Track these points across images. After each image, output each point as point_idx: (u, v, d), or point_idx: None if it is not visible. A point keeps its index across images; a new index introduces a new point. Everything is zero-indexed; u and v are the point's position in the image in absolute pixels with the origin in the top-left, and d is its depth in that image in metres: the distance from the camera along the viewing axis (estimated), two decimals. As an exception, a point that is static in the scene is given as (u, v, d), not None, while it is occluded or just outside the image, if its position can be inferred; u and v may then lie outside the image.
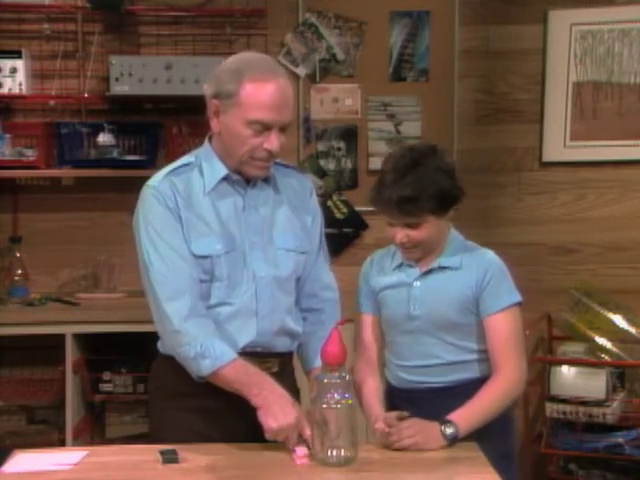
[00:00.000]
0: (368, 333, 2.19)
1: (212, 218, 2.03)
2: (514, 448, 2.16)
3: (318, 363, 1.99)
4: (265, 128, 1.97)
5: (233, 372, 1.95)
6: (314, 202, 2.21)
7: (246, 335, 2.04)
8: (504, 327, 2.05)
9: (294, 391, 2.11)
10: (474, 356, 2.08)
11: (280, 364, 2.10)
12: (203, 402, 2.03)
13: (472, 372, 2.08)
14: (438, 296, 2.06)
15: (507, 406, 2.05)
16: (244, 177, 2.06)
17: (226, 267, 2.02)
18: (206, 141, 2.11)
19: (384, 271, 2.16)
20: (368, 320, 2.20)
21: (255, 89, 1.95)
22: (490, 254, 2.11)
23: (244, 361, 1.97)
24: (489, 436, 1.99)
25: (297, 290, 2.16)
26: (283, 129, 2.01)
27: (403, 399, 2.09)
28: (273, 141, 1.98)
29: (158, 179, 2.06)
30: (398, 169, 2.02)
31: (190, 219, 2.02)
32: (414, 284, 2.09)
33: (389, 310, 2.13)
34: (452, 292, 2.06)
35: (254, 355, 2.03)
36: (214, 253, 2.02)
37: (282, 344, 2.11)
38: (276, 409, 1.89)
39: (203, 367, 1.96)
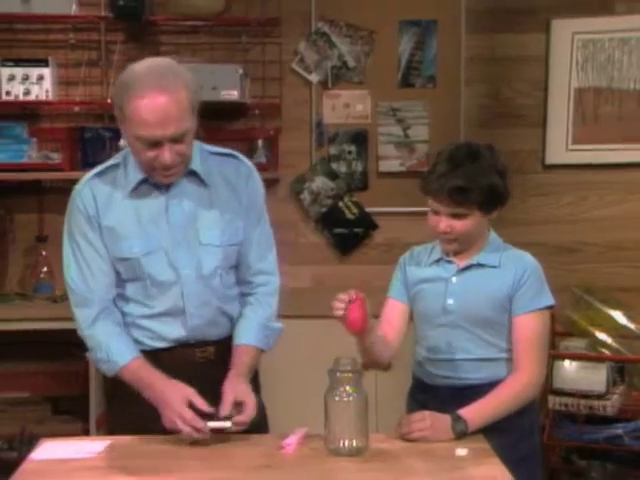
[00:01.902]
0: (391, 315, 2.14)
1: (132, 220, 1.99)
2: (539, 448, 2.13)
3: (238, 341, 2.02)
4: (153, 143, 1.89)
5: (128, 376, 1.97)
6: (252, 188, 2.10)
7: (176, 331, 2.02)
8: (530, 328, 2.01)
9: None
10: (504, 355, 2.05)
11: (216, 351, 2.06)
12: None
13: (500, 371, 2.04)
14: (475, 292, 2.03)
15: (519, 406, 2.00)
16: None
17: (147, 268, 1.99)
18: None
19: (421, 265, 2.12)
20: (394, 304, 2.15)
21: (137, 106, 1.86)
22: (528, 256, 2.08)
23: (139, 363, 1.96)
24: (518, 436, 2.00)
25: (235, 277, 2.12)
26: (179, 139, 1.90)
27: (429, 395, 2.06)
28: (164, 155, 1.89)
29: (83, 183, 2.03)
30: (454, 160, 1.98)
31: (109, 224, 1.99)
32: (452, 279, 2.06)
33: (424, 303, 2.10)
34: (489, 289, 2.03)
35: (188, 345, 2.02)
36: (132, 256, 1.99)
37: (217, 333, 2.07)
38: (166, 412, 1.88)
39: (106, 371, 1.99)
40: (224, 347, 2.07)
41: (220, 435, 1.93)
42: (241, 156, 2.14)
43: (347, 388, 1.84)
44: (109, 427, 2.21)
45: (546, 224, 3.69)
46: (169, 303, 2.02)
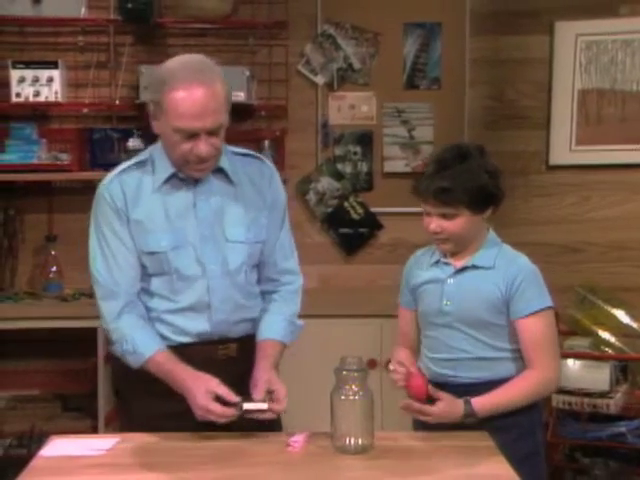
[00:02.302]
0: (404, 324, 2.20)
1: (160, 215, 2.01)
2: (542, 446, 2.13)
3: (264, 336, 2.05)
4: (190, 135, 1.92)
5: (154, 368, 1.97)
6: (275, 188, 2.13)
7: (200, 326, 2.03)
8: (535, 330, 2.01)
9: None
10: (504, 354, 2.05)
11: (238, 349, 2.07)
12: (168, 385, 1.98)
13: (501, 370, 2.04)
14: (469, 294, 2.04)
15: (533, 401, 2.02)
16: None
17: (175, 262, 2.00)
18: (159, 140, 2.06)
19: (422, 267, 2.14)
20: (404, 314, 2.20)
21: (175, 99, 1.89)
22: (523, 258, 2.07)
23: (165, 355, 1.97)
24: (520, 433, 2.00)
25: (258, 275, 2.14)
26: (214, 132, 1.94)
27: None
28: (200, 147, 1.93)
29: (110, 178, 2.04)
30: (441, 161, 2.01)
31: (137, 218, 2.00)
32: (447, 281, 2.07)
33: (424, 304, 2.12)
34: (482, 291, 2.03)
35: (211, 342, 2.02)
36: (160, 250, 2.00)
37: (239, 330, 2.08)
38: (193, 405, 1.88)
39: (131, 362, 1.99)
40: (246, 344, 2.08)
41: (227, 433, 1.94)
42: (264, 157, 2.18)
43: (353, 387, 1.85)
44: (120, 424, 2.22)
45: (549, 224, 3.69)
46: (194, 297, 2.02)
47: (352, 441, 1.85)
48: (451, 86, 3.73)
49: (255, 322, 2.11)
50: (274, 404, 1.90)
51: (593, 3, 3.60)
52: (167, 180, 2.02)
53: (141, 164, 2.05)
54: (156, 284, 2.03)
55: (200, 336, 2.04)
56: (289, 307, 2.14)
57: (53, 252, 3.65)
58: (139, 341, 1.97)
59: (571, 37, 3.62)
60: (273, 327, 2.09)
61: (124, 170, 2.05)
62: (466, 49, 3.71)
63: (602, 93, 3.62)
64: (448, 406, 1.94)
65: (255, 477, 1.76)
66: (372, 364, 3.22)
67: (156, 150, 2.05)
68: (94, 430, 3.33)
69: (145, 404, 2.03)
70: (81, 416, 3.56)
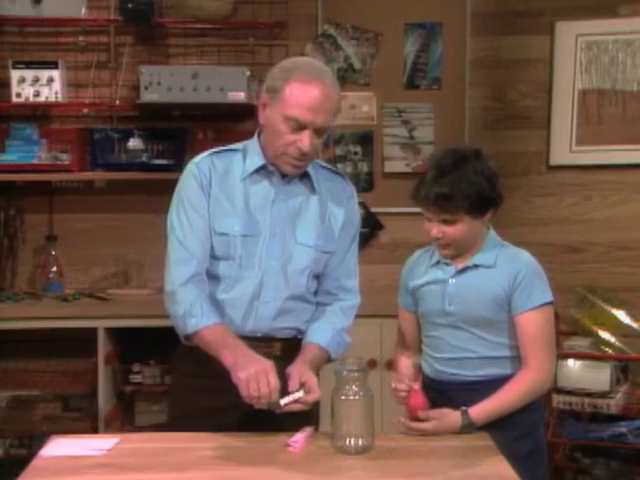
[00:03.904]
0: (404, 326, 2.21)
1: (240, 201, 2.06)
2: (544, 443, 2.14)
3: (309, 340, 2.06)
4: (300, 127, 1.98)
5: (212, 334, 1.98)
6: (352, 208, 2.19)
7: (244, 317, 2.05)
8: (533, 325, 2.02)
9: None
10: (508, 352, 2.05)
11: (283, 348, 2.08)
12: (216, 381, 1.99)
13: (505, 368, 2.05)
14: (472, 293, 2.04)
15: (529, 401, 2.02)
16: (279, 171, 2.08)
17: (240, 249, 2.05)
18: (255, 134, 2.14)
19: (422, 269, 2.14)
20: (404, 315, 2.21)
21: (297, 88, 1.97)
22: (525, 254, 2.08)
23: (226, 328, 1.99)
24: (520, 433, 2.00)
25: (318, 286, 2.16)
26: (319, 132, 2.01)
27: (436, 391, 2.06)
28: (304, 140, 1.99)
29: (201, 157, 2.11)
30: (439, 168, 2.01)
31: (219, 197, 2.06)
32: (449, 281, 2.07)
33: (425, 305, 2.12)
34: (485, 290, 2.03)
35: (255, 339, 2.03)
36: (231, 232, 2.05)
37: (283, 332, 2.09)
38: (242, 362, 1.88)
39: (189, 325, 1.99)
40: (291, 345, 2.09)
41: (227, 433, 1.95)
42: (347, 178, 2.23)
43: (353, 387, 1.85)
44: (169, 418, 2.28)
45: (550, 224, 3.69)
46: (247, 288, 2.05)
47: (352, 441, 1.85)
48: (451, 86, 3.73)
49: (300, 329, 2.12)
50: (308, 395, 1.90)
51: (593, 3, 3.61)
52: (255, 171, 2.08)
53: (233, 152, 2.12)
54: (220, 268, 2.07)
55: (244, 332, 2.04)
56: (340, 320, 2.14)
57: (53, 252, 3.65)
58: (205, 308, 2.00)
59: (571, 37, 3.62)
60: (320, 334, 2.09)
61: (216, 152, 2.11)
62: (466, 49, 3.71)
63: (602, 93, 3.62)
64: (441, 422, 1.95)
65: (255, 477, 1.76)
66: (372, 364, 3.22)
67: (250, 143, 2.12)
68: (94, 430, 3.33)
69: (194, 399, 2.07)
70: (81, 416, 3.56)
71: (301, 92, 1.97)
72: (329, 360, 2.09)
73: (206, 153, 2.12)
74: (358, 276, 2.21)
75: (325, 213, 2.12)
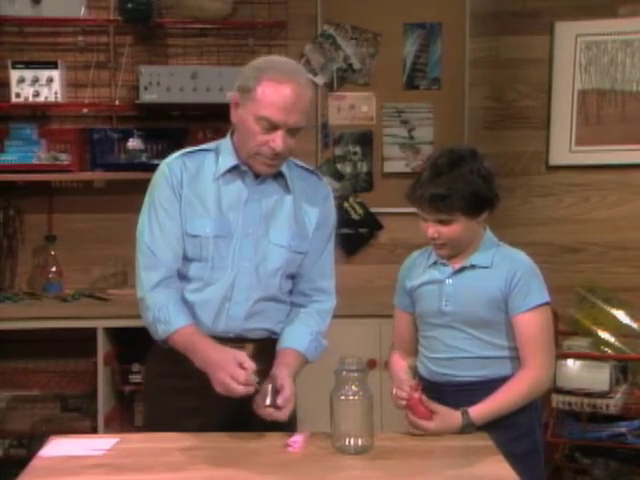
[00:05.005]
0: (401, 327, 2.21)
1: (212, 202, 2.04)
2: (541, 444, 2.14)
3: (287, 344, 2.04)
4: (272, 127, 1.95)
5: (181, 339, 1.97)
6: (327, 208, 2.16)
7: (216, 317, 2.04)
8: (532, 326, 2.02)
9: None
10: (504, 353, 2.05)
11: (255, 349, 2.05)
12: (191, 382, 2.00)
13: (502, 369, 2.05)
14: (469, 293, 2.04)
15: (529, 401, 2.02)
16: (253, 171, 2.05)
17: (212, 250, 2.03)
18: (228, 134, 2.11)
19: (419, 270, 2.14)
20: (400, 316, 2.21)
21: (269, 88, 1.94)
22: (521, 255, 2.08)
23: (194, 328, 1.98)
24: (518, 433, 2.00)
25: (292, 287, 2.14)
26: (292, 132, 1.98)
27: (432, 391, 2.05)
28: (277, 140, 1.95)
29: (173, 157, 2.08)
30: (435, 168, 2.01)
31: (190, 198, 2.03)
32: (446, 281, 2.07)
33: (422, 305, 2.12)
34: (482, 290, 2.03)
35: (227, 340, 2.01)
36: (203, 234, 2.02)
37: (257, 333, 2.08)
38: (214, 359, 1.88)
39: (159, 331, 2.00)
40: (264, 346, 2.07)
41: (227, 433, 1.95)
42: (322, 177, 2.21)
43: (353, 387, 1.85)
44: (144, 420, 2.28)
45: (549, 224, 3.69)
46: (219, 287, 2.04)
47: (352, 441, 1.85)
48: (451, 86, 3.73)
49: (274, 332, 2.10)
50: (280, 412, 1.88)
51: (593, 3, 3.61)
52: (228, 171, 2.05)
53: (205, 151, 2.09)
54: (191, 270, 2.05)
55: (216, 333, 2.03)
56: (317, 323, 2.12)
57: (53, 252, 3.65)
58: (172, 312, 1.99)
59: (571, 37, 3.62)
60: (298, 338, 2.07)
61: (188, 153, 2.09)
62: (466, 49, 3.71)
63: (602, 93, 3.62)
64: (443, 421, 1.94)
65: (255, 477, 1.76)
66: (372, 364, 3.22)
67: (223, 143, 2.09)
68: (94, 430, 3.33)
69: (169, 400, 2.06)
70: (81, 416, 3.56)
71: (273, 92, 1.94)
72: (307, 363, 2.08)
73: (178, 153, 2.08)
74: (334, 277, 2.19)
75: (299, 213, 2.09)
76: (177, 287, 2.04)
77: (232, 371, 1.85)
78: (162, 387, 2.09)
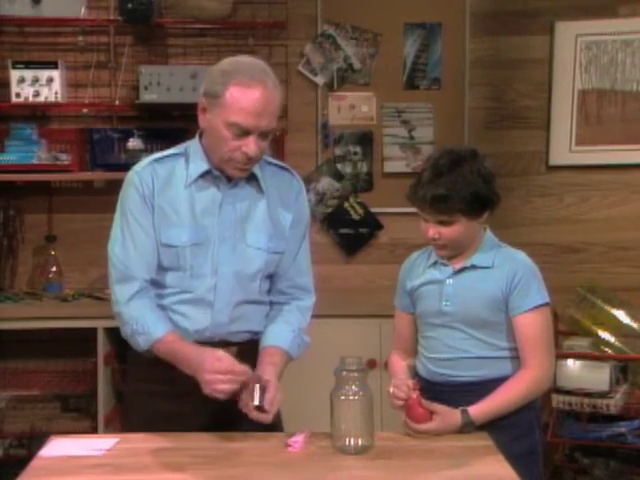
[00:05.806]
0: (401, 327, 2.21)
1: (186, 210, 2.00)
2: (540, 445, 2.13)
3: (270, 343, 2.02)
4: (244, 132, 1.92)
5: (163, 348, 1.96)
6: (300, 204, 2.14)
7: (200, 325, 2.02)
8: (532, 326, 2.02)
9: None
10: (504, 353, 2.05)
11: (239, 351, 2.03)
12: (168, 386, 2.00)
13: (501, 369, 2.05)
14: (469, 294, 2.04)
15: (529, 401, 2.03)
16: (225, 175, 2.02)
17: (190, 258, 2.00)
18: (197, 135, 2.07)
19: (419, 270, 2.14)
20: (401, 317, 2.21)
21: (238, 93, 1.90)
22: (522, 255, 2.08)
23: (174, 336, 1.97)
24: (517, 433, 2.00)
25: (270, 286, 2.12)
26: (264, 135, 1.95)
27: (432, 392, 2.05)
28: (250, 146, 1.92)
29: (142, 165, 2.04)
30: (435, 169, 2.01)
31: (163, 207, 1.99)
32: (447, 281, 2.07)
33: (422, 305, 2.12)
34: (483, 290, 2.03)
35: (211, 344, 1.99)
36: (179, 244, 1.99)
37: (240, 336, 2.07)
38: (203, 376, 1.86)
39: (140, 342, 1.98)
40: (247, 348, 2.06)
41: (227, 433, 1.94)
42: (294, 172, 2.17)
43: (353, 387, 1.85)
44: (122, 424, 2.22)
45: (550, 224, 3.69)
46: (200, 294, 2.01)
47: (352, 441, 1.85)
48: (451, 86, 3.73)
49: (256, 333, 2.09)
50: (265, 415, 1.87)
51: (593, 3, 3.61)
52: (200, 176, 2.02)
53: (175, 157, 2.05)
54: (169, 278, 2.02)
55: (200, 334, 2.02)
56: (298, 320, 2.11)
57: (53, 252, 3.65)
58: (150, 322, 1.97)
59: (571, 37, 3.62)
60: (280, 336, 2.06)
61: (158, 160, 2.04)
62: (466, 49, 3.71)
63: (602, 93, 3.62)
64: (443, 421, 1.94)
65: (255, 477, 1.76)
66: (372, 364, 3.22)
67: (192, 146, 2.05)
68: (94, 430, 3.33)
69: (148, 405, 2.04)
70: (81, 416, 3.56)
71: (242, 96, 1.90)
72: (291, 360, 2.08)
73: (147, 160, 2.04)
74: (311, 273, 2.17)
75: (274, 213, 2.07)
76: (152, 296, 2.01)
77: (216, 366, 1.84)
78: (140, 391, 2.08)
